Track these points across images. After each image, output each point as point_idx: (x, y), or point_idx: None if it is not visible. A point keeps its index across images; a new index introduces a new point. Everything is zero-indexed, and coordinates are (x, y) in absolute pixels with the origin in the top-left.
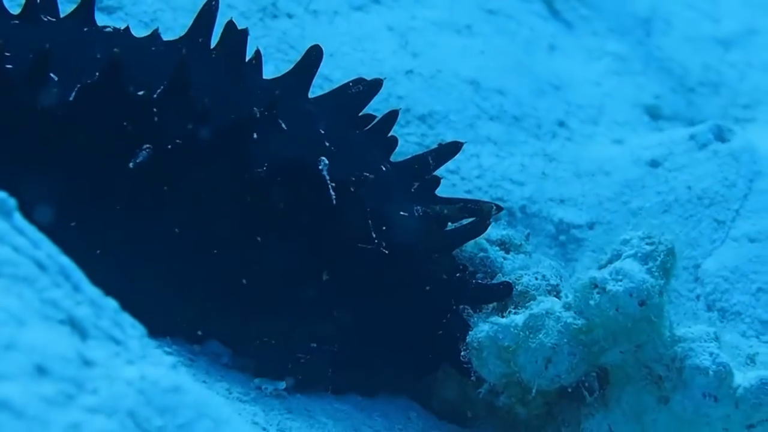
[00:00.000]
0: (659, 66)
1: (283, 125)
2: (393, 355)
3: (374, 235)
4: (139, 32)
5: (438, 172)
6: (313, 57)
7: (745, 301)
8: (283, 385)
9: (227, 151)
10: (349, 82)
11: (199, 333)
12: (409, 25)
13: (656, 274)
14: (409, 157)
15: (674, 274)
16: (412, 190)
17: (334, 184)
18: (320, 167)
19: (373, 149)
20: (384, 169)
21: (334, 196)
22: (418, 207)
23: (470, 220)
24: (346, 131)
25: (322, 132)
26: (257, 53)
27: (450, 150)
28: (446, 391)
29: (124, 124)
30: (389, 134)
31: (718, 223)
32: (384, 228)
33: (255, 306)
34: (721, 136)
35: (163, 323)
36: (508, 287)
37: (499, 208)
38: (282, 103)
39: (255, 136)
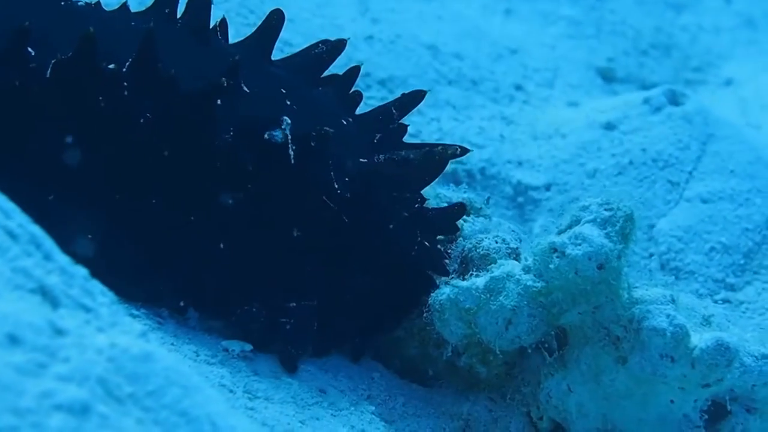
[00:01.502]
0: (612, 29)
1: (246, 89)
2: (371, 298)
3: (336, 186)
4: None
5: None
6: (274, 20)
7: (698, 260)
8: (249, 346)
9: (195, 119)
10: (318, 42)
11: (182, 304)
12: None
13: (615, 238)
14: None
15: (633, 239)
16: (375, 141)
17: (294, 147)
18: (283, 126)
19: (334, 105)
20: (345, 123)
21: (293, 155)
22: (381, 155)
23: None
24: (308, 90)
25: (284, 92)
26: (222, 20)
27: (413, 98)
28: (407, 350)
29: (98, 98)
30: (353, 89)
31: (672, 185)
32: (346, 178)
33: (233, 272)
34: (674, 99)
35: (142, 293)
36: (461, 206)
37: (465, 150)
38: (244, 67)
39: (219, 102)
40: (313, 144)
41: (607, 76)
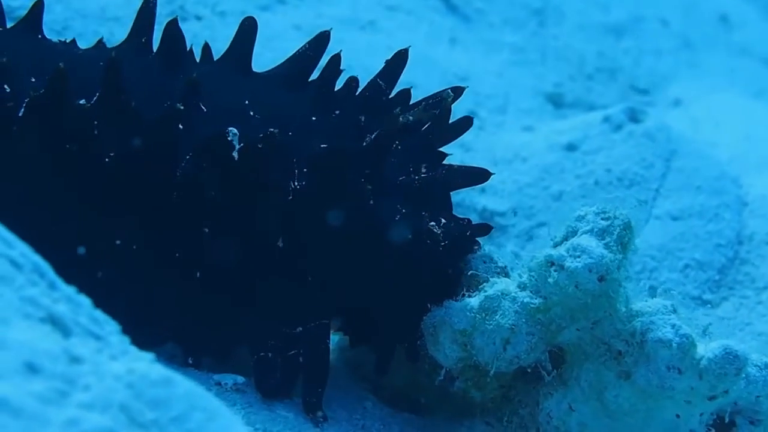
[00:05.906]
0: (556, 55)
1: (203, 107)
2: (387, 286)
3: (294, 185)
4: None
5: None
6: (247, 27)
7: (673, 278)
8: (242, 379)
9: (157, 148)
10: (306, 43)
11: (190, 361)
12: (315, 24)
13: (614, 248)
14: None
15: (631, 249)
16: (362, 123)
17: (245, 156)
18: (230, 138)
19: (306, 106)
20: (315, 119)
21: (244, 162)
22: (370, 135)
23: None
24: (280, 95)
25: (247, 103)
26: (205, 45)
27: (397, 63)
28: (396, 380)
29: (71, 134)
30: (336, 83)
31: (640, 203)
32: (305, 169)
33: (229, 307)
34: (634, 117)
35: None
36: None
37: (458, 91)
38: (214, 83)
39: (180, 127)
40: (260, 146)
41: (556, 102)
